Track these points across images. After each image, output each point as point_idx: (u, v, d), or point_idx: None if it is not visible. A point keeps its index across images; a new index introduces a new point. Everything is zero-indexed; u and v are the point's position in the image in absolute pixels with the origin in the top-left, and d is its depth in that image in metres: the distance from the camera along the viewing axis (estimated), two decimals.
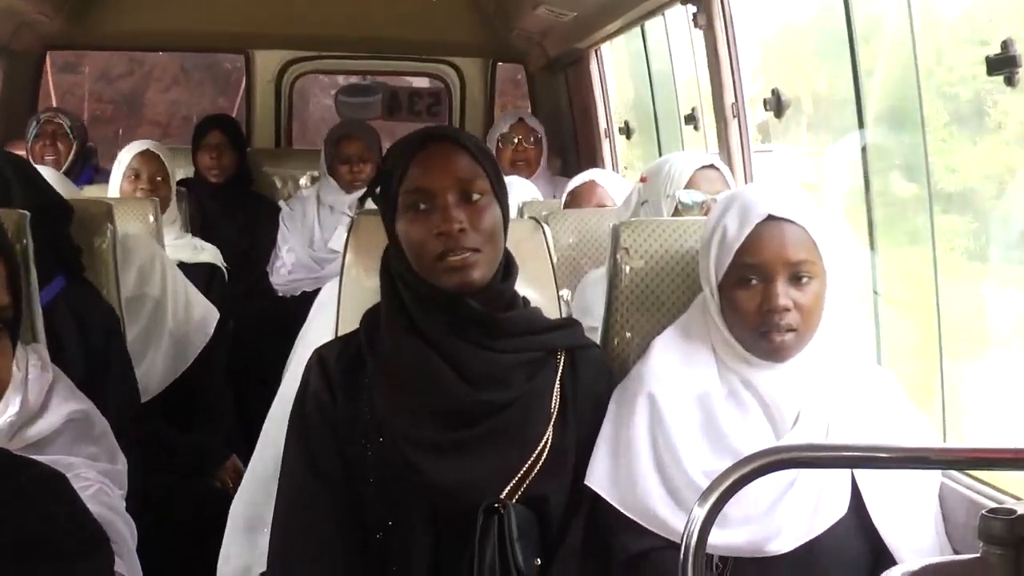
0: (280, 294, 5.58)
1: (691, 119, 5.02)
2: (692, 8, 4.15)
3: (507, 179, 2.54)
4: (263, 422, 3.03)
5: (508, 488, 2.27)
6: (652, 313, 2.57)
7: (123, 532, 2.29)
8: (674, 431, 2.31)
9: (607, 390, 2.44)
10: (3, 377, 1.64)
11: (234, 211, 5.81)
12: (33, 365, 2.29)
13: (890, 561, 2.08)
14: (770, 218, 2.30)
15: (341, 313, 2.68)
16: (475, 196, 2.28)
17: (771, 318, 2.27)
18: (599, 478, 2.30)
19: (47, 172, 3.66)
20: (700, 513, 1.60)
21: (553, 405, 2.35)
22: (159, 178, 4.76)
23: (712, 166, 3.39)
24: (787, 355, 2.32)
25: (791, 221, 2.30)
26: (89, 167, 5.72)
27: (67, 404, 2.29)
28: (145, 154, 4.83)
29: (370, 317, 2.42)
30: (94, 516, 1.72)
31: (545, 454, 2.30)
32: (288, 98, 7.20)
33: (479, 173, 2.31)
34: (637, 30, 5.57)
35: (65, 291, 2.96)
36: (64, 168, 5.42)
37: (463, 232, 2.24)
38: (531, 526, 2.26)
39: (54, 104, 9.64)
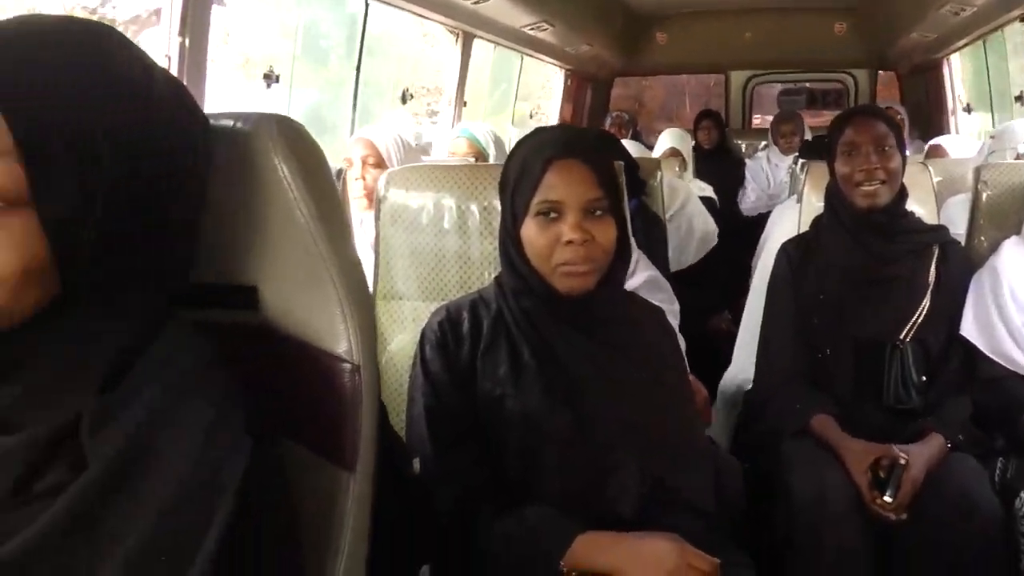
0: (745, 215, 5.46)
1: (1020, 99, 4.51)
2: None
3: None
4: None
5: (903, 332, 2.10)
6: (1001, 227, 2.32)
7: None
8: (1015, 297, 2.09)
9: (968, 272, 2.21)
10: None
11: (717, 165, 5.68)
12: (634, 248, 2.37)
13: None
14: None
15: (802, 220, 2.60)
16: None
17: None
18: (968, 330, 2.13)
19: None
20: None
21: (930, 278, 2.16)
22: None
23: None
24: None
25: None
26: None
27: (645, 272, 2.35)
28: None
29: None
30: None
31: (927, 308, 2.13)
32: (749, 100, 7.11)
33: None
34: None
35: (637, 206, 3.02)
36: None
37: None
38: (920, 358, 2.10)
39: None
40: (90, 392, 0.74)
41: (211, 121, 0.84)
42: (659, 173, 3.19)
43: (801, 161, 3.73)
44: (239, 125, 0.87)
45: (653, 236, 3.04)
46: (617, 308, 1.48)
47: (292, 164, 0.85)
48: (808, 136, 5.47)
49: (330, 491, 0.83)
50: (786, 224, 2.95)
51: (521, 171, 1.42)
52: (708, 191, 4.56)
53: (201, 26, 2.56)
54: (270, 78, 3.19)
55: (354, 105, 3.71)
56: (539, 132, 1.48)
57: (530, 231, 1.41)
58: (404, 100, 4.22)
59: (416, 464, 1.20)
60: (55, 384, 0.74)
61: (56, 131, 0.69)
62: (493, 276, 1.56)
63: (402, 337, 1.79)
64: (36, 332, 0.73)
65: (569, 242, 1.37)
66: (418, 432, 1.38)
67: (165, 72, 0.80)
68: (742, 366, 2.59)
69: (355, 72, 3.72)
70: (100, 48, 0.74)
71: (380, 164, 2.39)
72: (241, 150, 0.86)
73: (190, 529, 0.70)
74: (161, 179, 0.75)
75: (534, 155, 1.41)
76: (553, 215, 1.39)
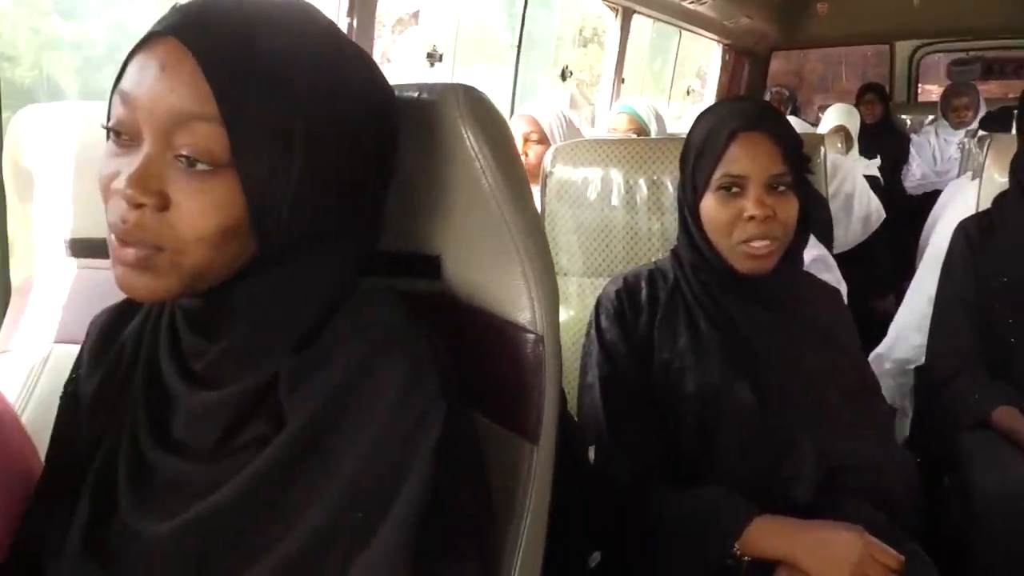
0: (909, 193, 5.13)
1: None
2: None
3: None
4: None
5: None
6: None
7: None
8: None
9: None
10: None
11: (880, 141, 5.37)
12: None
13: None
14: None
15: (981, 198, 2.38)
16: None
17: None
18: None
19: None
20: None
21: None
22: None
23: None
24: None
25: None
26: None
27: (813, 250, 2.26)
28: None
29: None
30: None
31: None
32: (916, 72, 6.67)
33: None
34: None
35: None
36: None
37: None
38: None
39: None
40: (286, 351, 0.75)
41: (397, 92, 0.84)
42: (822, 149, 3.04)
43: (980, 134, 3.47)
44: (425, 96, 0.86)
45: (816, 215, 2.90)
46: (794, 287, 1.41)
47: (478, 133, 0.83)
48: (983, 109, 5.11)
49: (513, 463, 0.81)
50: (961, 202, 2.76)
51: (704, 143, 1.36)
52: (874, 169, 4.34)
53: (368, 8, 2.60)
54: (433, 57, 3.22)
55: (514, 83, 3.71)
56: (724, 103, 1.43)
57: (710, 205, 1.35)
58: (564, 77, 4.20)
59: (591, 452, 1.17)
60: (253, 342, 0.76)
61: (255, 100, 0.71)
62: (661, 252, 1.51)
63: (567, 313, 1.76)
64: (235, 291, 0.75)
65: (751, 217, 1.31)
66: (591, 402, 1.35)
67: (355, 45, 0.81)
68: (899, 347, 2.44)
69: (515, 50, 3.71)
70: (295, 22, 0.75)
71: (543, 141, 2.38)
72: (428, 120, 0.85)
73: (379, 496, 0.70)
74: (351, 147, 0.76)
75: (718, 127, 1.35)
76: (735, 190, 1.33)
